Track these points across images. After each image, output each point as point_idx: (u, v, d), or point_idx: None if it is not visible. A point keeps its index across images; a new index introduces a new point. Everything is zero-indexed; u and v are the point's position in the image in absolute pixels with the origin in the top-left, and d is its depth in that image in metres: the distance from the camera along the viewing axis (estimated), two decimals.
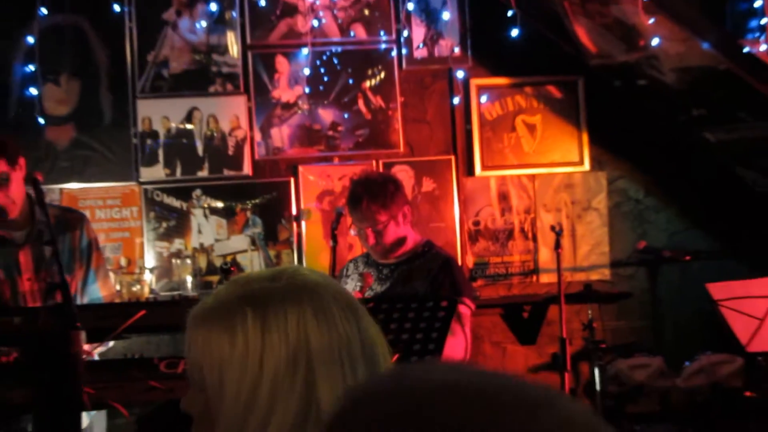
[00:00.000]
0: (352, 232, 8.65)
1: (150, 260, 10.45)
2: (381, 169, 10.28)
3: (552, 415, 1.34)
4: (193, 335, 3.02)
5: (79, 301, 7.84)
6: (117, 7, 10.34)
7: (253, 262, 10.58)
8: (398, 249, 8.28)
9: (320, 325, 2.98)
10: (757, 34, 9.73)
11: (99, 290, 8.08)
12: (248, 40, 10.73)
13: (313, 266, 10.22)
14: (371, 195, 8.17)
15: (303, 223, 10.63)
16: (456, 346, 7.97)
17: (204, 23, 10.59)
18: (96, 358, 7.64)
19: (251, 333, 2.95)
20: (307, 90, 10.79)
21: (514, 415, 1.31)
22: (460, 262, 9.79)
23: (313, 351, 2.96)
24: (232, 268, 9.28)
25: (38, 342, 6.61)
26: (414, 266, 8.21)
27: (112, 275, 9.01)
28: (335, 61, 10.87)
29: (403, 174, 10.26)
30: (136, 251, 10.41)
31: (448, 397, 1.32)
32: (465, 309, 8.11)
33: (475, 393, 1.32)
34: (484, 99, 11.10)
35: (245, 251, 10.62)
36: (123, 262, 10.18)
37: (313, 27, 10.78)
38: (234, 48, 10.70)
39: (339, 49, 10.90)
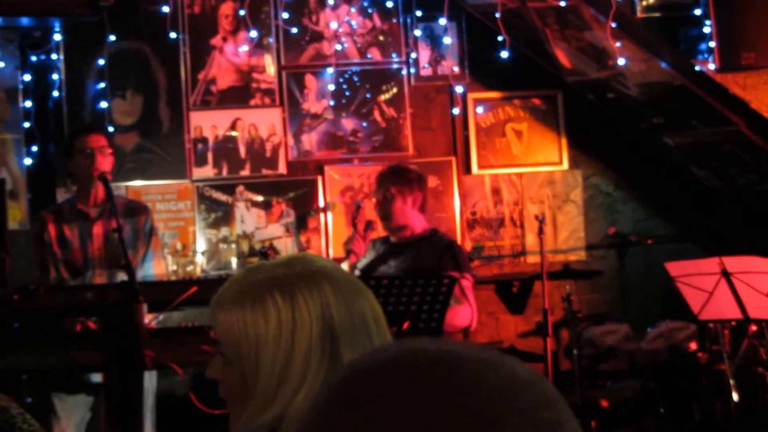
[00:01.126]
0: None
1: (201, 245, 10.53)
2: None
3: (499, 375, 1.35)
4: (227, 316, 3.03)
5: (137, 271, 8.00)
6: (173, 35, 10.42)
7: (287, 247, 10.64)
8: (408, 231, 8.43)
9: (339, 303, 3.01)
10: (706, 56, 9.83)
11: (152, 268, 8.31)
12: (282, 62, 10.79)
13: (338, 250, 10.36)
14: (393, 172, 8.52)
15: (329, 214, 10.72)
16: (462, 313, 8.15)
17: (245, 47, 10.65)
18: (154, 325, 7.79)
19: (283, 313, 2.97)
20: (331, 103, 10.87)
21: (466, 374, 1.34)
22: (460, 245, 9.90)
23: (336, 326, 2.98)
24: (269, 252, 9.47)
25: (107, 313, 6.79)
26: (423, 246, 8.35)
27: (169, 257, 9.17)
28: (355, 79, 10.95)
29: None
30: (190, 237, 10.48)
31: (415, 363, 1.35)
32: (467, 282, 8.29)
33: (440, 353, 1.38)
34: (479, 110, 11.18)
35: (280, 237, 10.68)
36: (179, 246, 10.26)
37: (336, 50, 10.85)
38: (271, 68, 10.75)
39: (358, 68, 10.97)
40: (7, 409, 3.41)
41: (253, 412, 3.02)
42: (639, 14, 9.88)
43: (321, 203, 10.77)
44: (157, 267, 8.48)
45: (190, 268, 9.85)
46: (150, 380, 7.75)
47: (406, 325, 7.39)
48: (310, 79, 10.86)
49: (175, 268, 9.65)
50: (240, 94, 10.76)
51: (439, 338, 1.41)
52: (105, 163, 8.18)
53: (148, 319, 7.45)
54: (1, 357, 6.79)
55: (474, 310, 8.46)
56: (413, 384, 1.33)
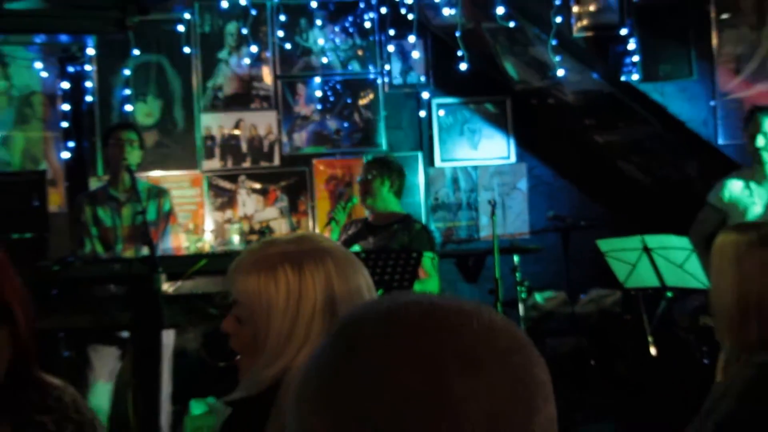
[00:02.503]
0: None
1: (209, 225, 10.55)
2: None
3: (479, 322, 1.35)
4: (244, 281, 3.03)
5: (157, 246, 8.10)
6: (187, 49, 10.40)
7: (281, 227, 10.66)
8: (387, 215, 8.45)
9: (339, 276, 3.02)
10: (630, 68, 9.83)
11: (170, 241, 8.52)
12: (278, 72, 10.79)
13: (320, 228, 10.39)
14: (378, 159, 8.59)
15: (315, 198, 10.77)
16: (429, 284, 8.16)
17: (247, 60, 10.66)
18: (172, 292, 7.83)
19: (291, 283, 2.98)
20: (318, 106, 10.88)
21: (452, 322, 1.34)
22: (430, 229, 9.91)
23: (336, 296, 3.00)
24: (267, 231, 9.49)
25: (132, 282, 6.80)
26: (398, 228, 8.37)
27: (182, 235, 9.19)
28: (338, 87, 10.96)
29: None
30: (200, 218, 10.50)
31: (408, 314, 1.35)
32: (434, 260, 8.30)
33: (428, 305, 1.36)
34: (441, 113, 11.20)
35: (275, 219, 10.70)
36: (191, 226, 10.27)
37: (322, 63, 10.88)
38: (268, 77, 10.76)
39: (341, 78, 10.97)
40: (60, 398, 3.36)
41: (261, 364, 3.04)
42: (575, 33, 9.88)
43: (309, 191, 10.76)
44: (174, 240, 8.68)
45: (200, 244, 9.84)
46: (167, 337, 7.80)
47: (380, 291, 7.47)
48: (300, 87, 10.87)
49: (187, 244, 9.63)
50: (242, 99, 10.76)
51: (425, 293, 1.39)
52: (133, 154, 8.28)
53: (166, 286, 7.58)
54: (43, 318, 6.77)
55: (438, 282, 8.50)
56: (406, 331, 1.33)
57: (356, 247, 8.31)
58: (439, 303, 1.38)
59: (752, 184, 8.22)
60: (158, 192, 8.66)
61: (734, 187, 8.32)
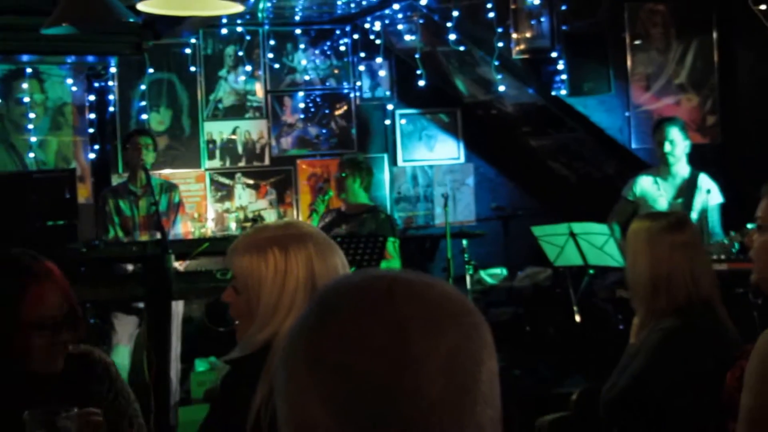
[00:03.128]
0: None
1: (211, 214, 10.54)
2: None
3: (437, 291, 1.38)
4: (240, 259, 3.08)
5: (168, 231, 8.13)
6: (193, 68, 10.38)
7: (270, 216, 10.64)
8: (358, 206, 8.46)
9: (318, 257, 3.06)
10: (560, 85, 9.84)
11: (180, 228, 8.51)
12: (268, 88, 10.76)
13: (303, 217, 10.39)
14: (350, 159, 8.66)
15: (299, 192, 10.77)
16: (393, 263, 8.17)
17: (243, 77, 10.64)
18: (180, 269, 7.85)
19: (278, 262, 3.04)
20: (301, 116, 10.86)
21: (415, 290, 1.37)
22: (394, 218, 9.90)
23: (316, 274, 3.04)
24: (259, 219, 9.49)
25: (147, 261, 6.79)
26: (367, 217, 8.37)
27: (189, 222, 9.18)
28: (318, 100, 10.93)
29: None
30: (203, 209, 10.47)
31: (379, 283, 1.38)
32: (395, 243, 8.31)
33: (394, 277, 1.39)
34: (403, 121, 11.20)
35: (266, 209, 10.68)
36: (195, 215, 10.23)
37: (305, 80, 10.87)
38: (260, 92, 10.74)
39: (320, 92, 10.94)
40: (107, 369, 3.39)
41: (253, 330, 3.09)
42: (514, 55, 9.88)
43: (294, 186, 10.75)
44: (183, 227, 8.75)
45: (203, 230, 9.81)
46: (176, 307, 7.82)
47: (352, 269, 7.48)
48: (287, 100, 10.85)
49: (192, 230, 9.59)
50: (238, 110, 10.72)
51: (392, 269, 1.43)
52: (148, 156, 8.39)
53: (176, 264, 7.62)
54: (74, 290, 6.76)
55: (399, 263, 8.52)
56: (376, 298, 1.36)
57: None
58: (404, 276, 1.41)
59: (659, 180, 8.26)
60: (169, 187, 8.72)
61: (644, 183, 8.35)
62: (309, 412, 1.33)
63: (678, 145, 8.08)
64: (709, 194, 8.07)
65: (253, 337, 3.09)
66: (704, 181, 8.15)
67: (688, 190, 8.13)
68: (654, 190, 8.27)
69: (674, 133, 8.06)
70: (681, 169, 8.18)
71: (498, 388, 1.39)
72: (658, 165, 8.39)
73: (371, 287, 1.39)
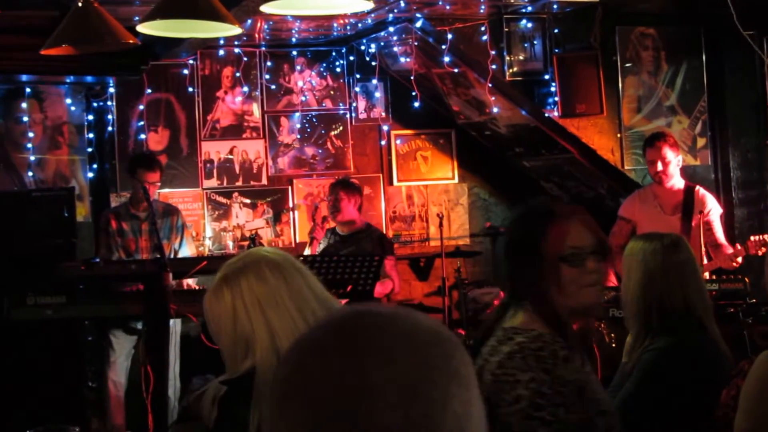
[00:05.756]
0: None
1: (209, 232, 10.49)
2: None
3: (403, 323, 1.42)
4: (205, 303, 3.23)
5: (173, 257, 8.16)
6: (190, 89, 10.37)
7: (267, 234, 10.65)
8: (351, 226, 8.50)
9: (259, 281, 3.16)
10: (552, 106, 9.85)
11: (187, 251, 8.50)
12: (265, 108, 10.72)
13: (302, 236, 10.41)
14: (342, 182, 8.83)
15: (296, 212, 10.75)
16: (387, 285, 8.22)
17: (240, 98, 10.62)
18: (195, 286, 7.96)
19: (227, 297, 3.16)
20: (298, 136, 10.83)
21: (377, 323, 1.41)
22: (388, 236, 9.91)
23: (261, 300, 3.14)
24: (256, 237, 9.49)
25: (145, 279, 6.78)
26: (361, 236, 8.44)
27: (193, 243, 9.18)
28: (314, 120, 10.91)
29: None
30: (201, 227, 10.42)
31: (344, 321, 1.44)
32: (391, 261, 8.34)
33: (362, 314, 1.45)
34: (398, 142, 11.17)
35: (262, 228, 10.65)
36: (193, 233, 10.21)
37: (302, 101, 10.83)
38: (257, 112, 10.71)
39: (316, 113, 10.91)
40: None
41: (230, 364, 3.22)
42: (507, 78, 9.90)
43: (291, 204, 10.76)
44: (189, 250, 8.78)
45: (201, 249, 9.83)
46: (175, 325, 7.82)
47: (349, 288, 7.53)
48: (283, 120, 10.82)
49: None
50: (236, 130, 10.68)
51: (367, 303, 1.51)
52: (153, 191, 8.44)
53: (173, 282, 7.68)
54: (72, 308, 6.76)
55: (397, 281, 8.55)
56: (342, 332, 1.42)
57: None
58: (373, 310, 1.45)
59: (656, 198, 8.25)
60: (170, 211, 8.75)
61: (640, 202, 8.35)
62: None
63: (671, 162, 8.06)
64: (710, 208, 8.05)
65: (234, 366, 3.20)
66: (701, 193, 8.13)
67: (685, 204, 8.11)
68: (651, 208, 8.26)
69: (666, 151, 8.04)
70: (676, 184, 8.16)
71: (478, 420, 1.39)
72: (652, 184, 8.39)
73: (339, 322, 1.43)
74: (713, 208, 8.08)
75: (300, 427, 1.35)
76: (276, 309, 3.14)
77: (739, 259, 7.74)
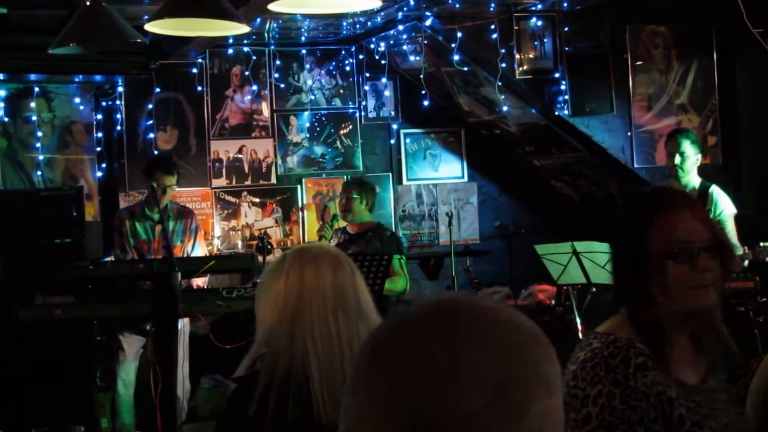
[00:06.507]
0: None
1: (217, 232, 10.51)
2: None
3: (505, 318, 1.41)
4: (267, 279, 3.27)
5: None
6: (199, 88, 10.38)
7: (276, 233, 10.67)
8: (362, 225, 8.50)
9: (311, 276, 3.19)
10: (562, 105, 9.84)
11: (200, 253, 8.45)
12: (274, 107, 10.74)
13: (311, 236, 10.42)
14: (355, 181, 8.82)
15: (305, 211, 10.76)
16: (399, 281, 8.19)
17: (249, 97, 10.62)
18: (204, 286, 7.98)
19: (292, 277, 3.19)
20: (307, 135, 10.85)
21: (482, 313, 1.39)
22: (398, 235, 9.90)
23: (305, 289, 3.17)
24: (265, 237, 9.49)
25: (154, 279, 6.78)
26: (371, 235, 8.42)
27: (205, 246, 9.18)
28: (323, 119, 10.92)
29: None
30: (209, 227, 10.43)
31: (450, 306, 1.41)
32: (402, 260, 8.32)
33: (467, 301, 1.42)
34: (408, 140, 11.20)
35: (271, 227, 10.67)
36: (202, 233, 10.25)
37: (311, 99, 10.85)
38: (266, 111, 10.73)
39: (326, 112, 10.92)
40: None
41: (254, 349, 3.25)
42: (517, 76, 9.89)
43: (300, 204, 10.76)
44: (201, 251, 8.73)
45: (209, 248, 9.81)
46: (184, 325, 7.83)
47: None
48: (292, 119, 10.83)
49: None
50: (245, 129, 10.69)
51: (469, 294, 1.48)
52: (171, 195, 8.48)
53: (200, 281, 8.02)
54: (80, 308, 6.76)
55: (407, 279, 8.54)
56: (443, 317, 1.39)
57: None
58: (476, 302, 1.43)
59: None
60: (185, 212, 8.74)
61: None
62: (359, 411, 1.38)
63: (689, 158, 8.04)
64: (722, 208, 8.04)
65: (248, 357, 3.22)
66: (715, 193, 8.11)
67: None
68: None
69: (686, 145, 8.03)
70: (691, 181, 8.14)
71: (558, 428, 1.38)
72: (668, 178, 8.38)
73: (440, 306, 1.41)
74: (726, 208, 8.06)
75: (380, 401, 1.35)
76: (310, 305, 3.17)
77: (745, 263, 7.71)
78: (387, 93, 11.04)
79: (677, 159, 8.04)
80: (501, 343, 1.36)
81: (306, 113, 10.85)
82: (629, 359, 2.69)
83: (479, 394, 1.31)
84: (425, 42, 9.88)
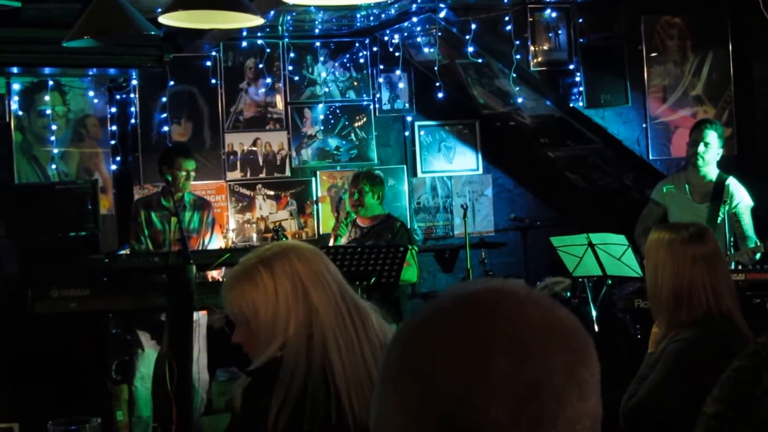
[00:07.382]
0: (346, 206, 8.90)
1: (232, 224, 10.52)
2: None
3: (545, 313, 1.38)
4: (232, 293, 3.20)
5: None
6: (213, 81, 10.39)
7: (291, 226, 10.69)
8: (373, 217, 8.52)
9: (303, 263, 3.21)
10: (577, 97, 9.83)
11: (216, 245, 8.52)
12: (288, 99, 10.76)
13: (326, 228, 10.43)
14: (365, 174, 8.74)
15: (320, 204, 10.77)
16: (409, 271, 8.19)
17: (263, 90, 10.64)
18: (221, 279, 7.99)
19: (266, 278, 3.17)
20: (321, 127, 10.86)
21: (521, 307, 1.37)
22: (408, 226, 9.89)
23: (302, 278, 3.18)
24: (280, 229, 9.51)
25: (169, 271, 6.78)
26: (382, 227, 8.45)
27: (221, 239, 9.19)
28: (337, 111, 10.93)
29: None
30: (224, 219, 10.43)
31: (480, 297, 1.39)
32: (413, 251, 8.33)
33: (508, 291, 1.40)
34: (422, 133, 11.20)
35: (286, 219, 10.68)
36: (218, 225, 10.27)
37: (325, 92, 10.87)
38: (280, 104, 10.75)
39: (340, 104, 10.94)
40: None
41: (262, 348, 3.20)
42: (531, 68, 9.88)
43: (314, 197, 10.77)
44: (218, 244, 8.79)
45: (224, 241, 9.82)
46: (201, 317, 7.85)
47: (373, 279, 7.54)
48: (307, 112, 10.84)
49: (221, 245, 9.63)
50: (259, 122, 10.71)
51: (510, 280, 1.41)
52: (188, 183, 8.53)
53: (216, 273, 8.04)
54: (95, 300, 6.77)
55: (417, 269, 8.53)
56: (486, 316, 1.36)
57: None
58: (511, 291, 1.40)
59: (687, 184, 8.26)
60: (203, 204, 8.77)
61: (672, 187, 8.37)
62: (385, 411, 1.38)
63: (712, 148, 8.05)
64: (738, 200, 8.04)
65: (264, 356, 3.19)
66: (732, 185, 8.11)
67: (715, 194, 8.09)
68: (681, 194, 8.26)
69: (712, 136, 8.04)
70: (709, 172, 8.14)
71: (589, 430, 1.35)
72: (685, 167, 8.40)
73: (474, 305, 1.39)
74: (742, 200, 8.06)
75: (408, 402, 1.34)
76: (318, 287, 3.20)
77: (758, 256, 7.71)
78: (401, 85, 11.03)
79: (701, 147, 8.05)
80: (535, 350, 1.33)
81: (320, 106, 10.86)
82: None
83: (507, 403, 1.29)
84: (439, 34, 9.88)
